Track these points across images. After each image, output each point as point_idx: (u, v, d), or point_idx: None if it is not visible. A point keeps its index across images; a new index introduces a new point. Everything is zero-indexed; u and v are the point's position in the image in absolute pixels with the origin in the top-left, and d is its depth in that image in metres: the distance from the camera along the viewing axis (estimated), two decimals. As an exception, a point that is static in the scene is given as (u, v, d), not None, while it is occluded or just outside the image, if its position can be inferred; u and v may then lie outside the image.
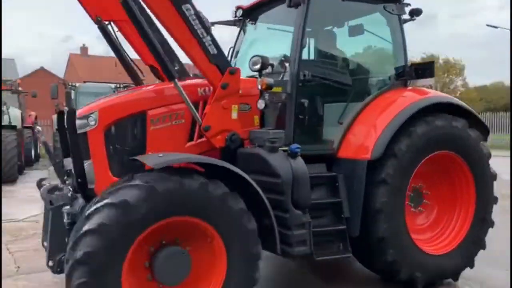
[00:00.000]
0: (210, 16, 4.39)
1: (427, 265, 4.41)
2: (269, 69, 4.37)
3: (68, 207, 3.74)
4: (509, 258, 5.16)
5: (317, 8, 4.39)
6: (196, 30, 3.83)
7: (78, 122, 3.80)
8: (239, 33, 5.39)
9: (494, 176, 4.84)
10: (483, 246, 4.78)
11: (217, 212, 3.35)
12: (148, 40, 3.72)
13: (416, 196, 4.75)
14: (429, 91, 4.86)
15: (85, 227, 3.04)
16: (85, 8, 4.14)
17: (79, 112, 3.88)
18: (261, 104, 4.14)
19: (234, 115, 4.10)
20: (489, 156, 4.78)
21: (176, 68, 4.47)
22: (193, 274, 3.43)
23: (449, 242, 4.69)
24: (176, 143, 4.01)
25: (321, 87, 4.61)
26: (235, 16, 5.35)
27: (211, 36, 3.93)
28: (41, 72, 40.56)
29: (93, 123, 3.78)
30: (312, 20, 4.45)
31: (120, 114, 3.89)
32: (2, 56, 11.68)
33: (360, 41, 5.03)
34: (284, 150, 3.88)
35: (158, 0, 3.73)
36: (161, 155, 3.44)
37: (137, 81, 4.82)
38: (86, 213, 3.15)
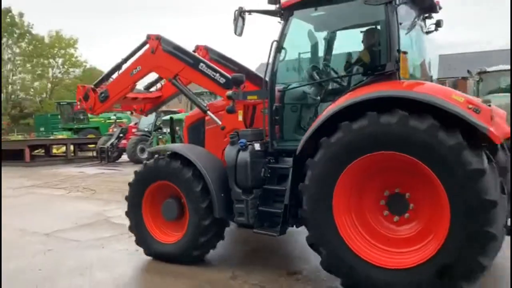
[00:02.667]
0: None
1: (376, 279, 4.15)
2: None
3: None
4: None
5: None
6: (209, 75, 5.76)
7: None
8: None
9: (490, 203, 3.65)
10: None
11: (177, 179, 5.31)
12: (187, 96, 6.18)
13: (397, 202, 4.28)
14: (402, 84, 4.30)
15: None
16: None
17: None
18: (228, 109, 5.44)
19: (240, 117, 5.63)
20: (480, 173, 3.66)
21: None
22: (184, 217, 5.55)
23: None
24: (218, 138, 5.94)
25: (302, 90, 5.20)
26: None
27: (219, 72, 5.74)
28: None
29: (183, 124, 6.56)
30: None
31: (194, 119, 6.39)
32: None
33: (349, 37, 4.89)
34: None
35: (187, 72, 6.02)
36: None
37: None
38: None
